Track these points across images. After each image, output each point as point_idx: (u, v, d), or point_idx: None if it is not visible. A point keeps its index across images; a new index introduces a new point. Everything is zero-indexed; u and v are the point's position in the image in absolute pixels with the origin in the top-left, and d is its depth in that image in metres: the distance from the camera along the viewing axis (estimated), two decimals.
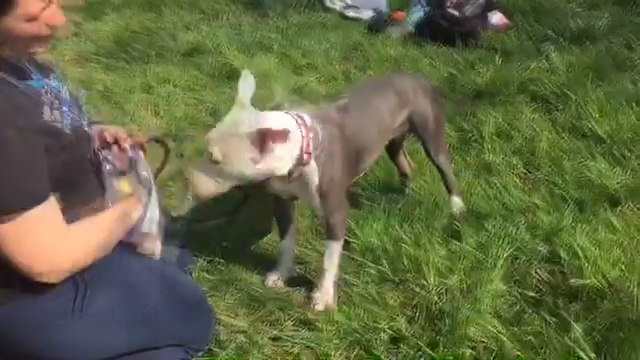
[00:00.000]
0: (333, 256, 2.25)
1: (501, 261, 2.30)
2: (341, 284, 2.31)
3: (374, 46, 4.44)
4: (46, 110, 1.62)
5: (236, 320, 2.20)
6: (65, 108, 1.72)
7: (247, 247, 2.55)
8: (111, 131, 1.96)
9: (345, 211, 2.22)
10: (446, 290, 2.23)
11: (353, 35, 4.63)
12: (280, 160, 1.94)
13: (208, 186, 1.92)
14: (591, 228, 2.49)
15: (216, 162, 1.88)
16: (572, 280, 2.20)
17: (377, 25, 4.75)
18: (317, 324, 2.14)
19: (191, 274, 2.31)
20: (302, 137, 1.98)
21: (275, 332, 2.14)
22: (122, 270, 1.84)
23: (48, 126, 1.58)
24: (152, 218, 1.91)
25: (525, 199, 2.74)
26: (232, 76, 3.89)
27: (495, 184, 2.86)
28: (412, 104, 2.44)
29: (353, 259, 2.42)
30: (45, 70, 1.78)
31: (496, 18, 4.86)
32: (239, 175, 1.91)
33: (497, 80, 3.80)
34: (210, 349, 2.05)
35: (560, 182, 2.87)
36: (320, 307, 2.24)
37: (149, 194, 1.90)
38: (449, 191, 2.71)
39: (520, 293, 2.23)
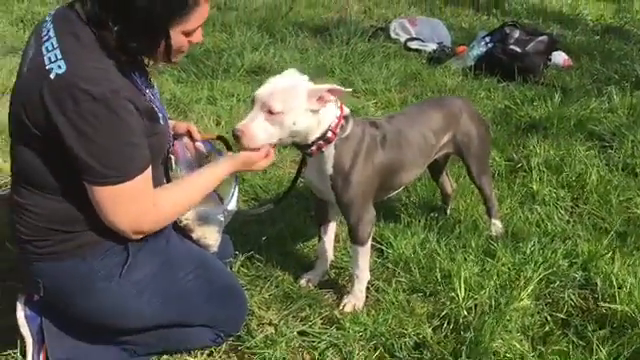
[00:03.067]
0: (358, 260, 2.31)
1: (534, 282, 2.31)
2: (372, 290, 2.37)
3: (432, 76, 4.53)
4: (147, 100, 1.82)
5: (267, 313, 2.28)
6: (158, 103, 1.92)
7: (287, 247, 2.64)
8: (180, 125, 2.14)
9: (368, 215, 2.26)
10: (475, 305, 2.25)
11: (413, 65, 4.74)
12: (319, 121, 2.06)
13: (262, 136, 1.99)
14: (631, 259, 2.47)
15: (274, 113, 1.97)
16: (602, 304, 2.19)
17: (438, 57, 4.84)
18: (344, 324, 2.20)
19: (231, 267, 2.41)
20: (336, 117, 2.10)
21: (303, 327, 2.21)
22: (164, 246, 1.97)
23: (151, 109, 1.79)
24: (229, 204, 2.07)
25: (566, 228, 2.74)
26: None
27: (538, 212, 2.87)
28: (457, 126, 2.50)
29: (387, 267, 2.48)
30: (149, 73, 1.99)
31: (560, 58, 4.89)
32: (292, 125, 2.01)
33: (553, 115, 3.80)
34: (239, 336, 2.13)
35: (606, 216, 2.85)
36: (348, 308, 2.30)
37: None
38: (489, 214, 2.73)
39: (550, 314, 2.23)
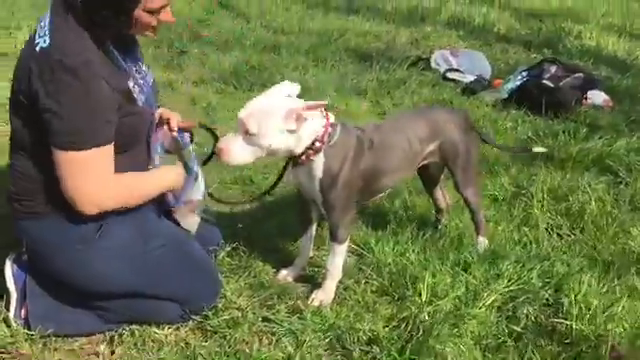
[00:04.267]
0: (335, 257, 2.42)
1: (497, 294, 2.34)
2: (341, 288, 2.47)
3: (461, 105, 4.59)
4: (131, 80, 2.04)
5: (239, 299, 2.40)
6: (145, 88, 2.13)
7: (273, 243, 2.78)
8: (166, 114, 2.33)
9: (348, 215, 2.37)
10: (436, 311, 2.30)
11: (446, 93, 4.82)
12: (300, 137, 2.18)
13: (243, 156, 2.16)
14: (605, 286, 2.46)
15: (250, 134, 2.12)
16: (559, 320, 2.20)
17: (472, 88, 4.90)
18: (305, 315, 2.30)
19: (215, 255, 2.56)
20: (322, 127, 2.22)
21: (267, 314, 2.33)
22: (141, 219, 2.16)
23: (128, 90, 2.00)
24: (192, 194, 2.24)
25: (551, 252, 2.74)
26: None
27: (527, 234, 2.89)
28: (443, 135, 2.58)
29: (361, 270, 2.57)
30: (141, 58, 2.21)
31: (600, 98, 4.84)
32: (268, 146, 2.15)
33: (572, 149, 3.79)
34: (206, 315, 2.27)
35: (597, 245, 2.84)
36: (315, 302, 2.40)
37: (194, 172, 2.24)
38: (476, 231, 2.78)
39: (507, 326, 2.25)
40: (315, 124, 2.22)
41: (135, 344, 2.20)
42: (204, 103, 4.42)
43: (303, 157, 2.25)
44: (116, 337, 2.24)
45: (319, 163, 2.27)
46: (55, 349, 2.17)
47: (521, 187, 3.38)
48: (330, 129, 2.26)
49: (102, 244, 2.07)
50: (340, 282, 2.48)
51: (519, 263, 2.57)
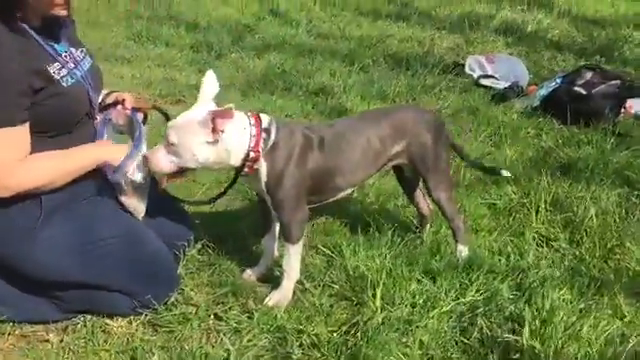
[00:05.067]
0: (290, 258, 2.37)
1: (453, 304, 2.23)
2: (298, 290, 2.42)
3: (487, 111, 4.42)
4: (55, 65, 2.10)
5: (196, 295, 2.41)
6: (78, 72, 2.19)
7: (244, 242, 2.76)
8: (121, 94, 2.38)
9: (299, 215, 2.32)
10: (388, 318, 2.22)
11: (474, 100, 4.65)
12: (227, 150, 2.16)
13: (163, 164, 2.17)
14: (585, 304, 2.28)
15: (172, 145, 2.14)
16: (511, 336, 2.06)
17: (503, 95, 4.71)
18: (255, 314, 2.27)
19: (184, 252, 2.57)
20: (251, 136, 2.18)
21: (219, 311, 2.32)
22: (87, 208, 2.20)
23: (45, 73, 2.05)
24: (134, 174, 2.24)
25: (534, 264, 2.58)
26: (341, 115, 4.15)
27: (513, 244, 2.73)
28: (410, 135, 2.48)
29: (325, 273, 2.51)
30: (78, 45, 2.28)
31: None
32: (192, 157, 2.14)
33: (593, 159, 3.56)
34: (156, 309, 2.28)
35: (589, 260, 2.65)
36: (271, 303, 2.37)
37: (137, 150, 2.25)
38: (455, 238, 2.66)
39: (458, 338, 2.14)
40: (239, 135, 2.18)
41: (85, 334, 2.25)
42: (225, 105, 4.46)
43: (246, 169, 2.23)
44: (70, 326, 2.29)
45: (262, 168, 2.25)
46: (9, 334, 2.25)
47: (525, 196, 3.21)
48: (264, 134, 2.22)
49: (43, 234, 2.12)
50: (300, 284, 2.44)
51: (492, 273, 2.44)
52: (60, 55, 2.16)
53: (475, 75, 5.15)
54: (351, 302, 2.37)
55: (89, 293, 2.25)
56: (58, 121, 2.12)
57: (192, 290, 2.44)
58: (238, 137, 2.18)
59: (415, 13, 7.50)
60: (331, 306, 2.35)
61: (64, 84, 2.12)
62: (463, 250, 2.64)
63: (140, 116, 2.37)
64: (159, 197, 2.51)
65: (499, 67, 5.13)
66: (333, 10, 7.64)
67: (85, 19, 6.44)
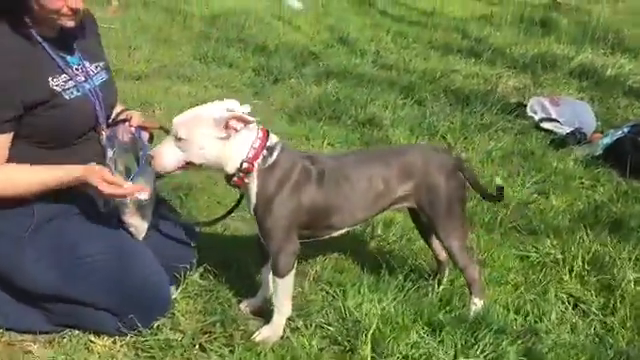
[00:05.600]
0: (278, 292, 2.26)
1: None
2: (288, 329, 2.30)
3: (541, 157, 4.16)
4: (61, 76, 2.12)
5: (186, 321, 2.34)
6: (87, 85, 2.19)
7: (247, 268, 2.67)
8: (130, 112, 2.36)
9: (288, 248, 2.21)
10: None
11: (530, 143, 4.39)
12: (230, 151, 2.10)
13: (167, 161, 2.12)
14: None
15: (181, 139, 2.09)
16: None
17: (563, 141, 4.43)
18: (237, 348, 2.17)
19: (184, 275, 2.50)
20: (252, 147, 2.11)
21: (204, 341, 2.23)
22: (75, 221, 2.18)
23: (45, 84, 2.07)
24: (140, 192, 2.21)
25: (554, 329, 2.34)
26: None
27: (537, 305, 2.50)
28: (418, 177, 2.33)
29: (322, 313, 2.37)
30: (94, 58, 2.29)
31: None
32: (199, 151, 2.09)
33: None
34: (140, 330, 2.22)
35: (621, 331, 2.38)
36: (258, 338, 2.27)
37: (141, 169, 2.22)
38: (469, 290, 2.46)
39: None
40: (246, 141, 2.12)
41: (69, 349, 2.21)
42: (278, 130, 4.40)
43: (235, 179, 2.15)
44: (56, 339, 2.27)
45: (253, 186, 2.16)
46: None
47: (563, 252, 2.95)
48: (265, 152, 2.14)
49: (32, 245, 2.11)
50: (292, 321, 2.31)
51: (502, 333, 2.23)
52: (70, 67, 2.17)
53: (537, 117, 4.88)
54: (343, 347, 2.23)
55: (75, 308, 2.22)
56: (57, 133, 2.12)
57: (183, 316, 2.37)
58: (242, 143, 2.12)
59: (489, 50, 7.26)
60: (321, 349, 2.22)
61: (66, 96, 2.11)
62: (478, 304, 2.43)
63: (145, 135, 2.35)
64: (164, 218, 2.48)
65: (563, 111, 4.84)
66: (404, 42, 7.53)
67: (157, 37, 6.67)
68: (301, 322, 2.31)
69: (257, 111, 4.70)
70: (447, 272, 2.65)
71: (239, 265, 2.68)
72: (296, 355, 2.16)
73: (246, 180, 2.17)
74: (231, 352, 2.17)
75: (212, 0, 8.88)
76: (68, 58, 2.19)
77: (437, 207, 2.34)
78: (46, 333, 2.28)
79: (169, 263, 2.42)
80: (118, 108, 2.45)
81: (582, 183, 3.83)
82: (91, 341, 2.24)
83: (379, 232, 3.07)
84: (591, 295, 2.65)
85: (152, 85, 5.37)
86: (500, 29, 8.37)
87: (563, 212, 3.44)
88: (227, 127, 2.07)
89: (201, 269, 2.60)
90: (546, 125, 4.78)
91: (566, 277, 2.74)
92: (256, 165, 2.14)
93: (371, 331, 2.16)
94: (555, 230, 3.16)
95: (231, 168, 2.16)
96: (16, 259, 2.12)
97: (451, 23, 8.70)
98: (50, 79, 2.09)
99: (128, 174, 2.23)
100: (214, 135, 2.09)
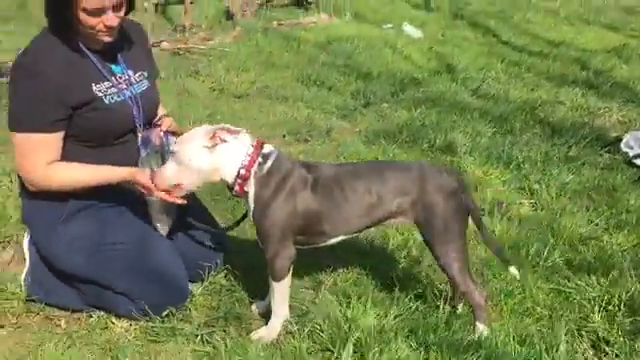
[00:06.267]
0: (275, 296, 2.38)
1: None
2: (282, 334, 2.42)
3: (623, 194, 3.88)
4: (105, 83, 2.41)
5: (196, 314, 2.53)
6: (127, 92, 2.48)
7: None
8: (164, 118, 2.62)
9: (283, 253, 2.32)
10: None
11: (614, 179, 4.12)
12: (221, 160, 2.26)
13: (164, 175, 2.29)
14: None
15: (174, 152, 2.28)
16: None
17: None
18: (230, 345, 2.31)
19: (208, 272, 2.70)
20: (247, 155, 2.26)
21: (205, 334, 2.39)
22: (104, 211, 2.45)
23: (88, 89, 2.35)
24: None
25: None
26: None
27: (546, 340, 2.39)
28: (416, 194, 2.33)
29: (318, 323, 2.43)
30: (138, 68, 2.56)
31: None
32: (189, 162, 2.25)
33: None
34: (150, 318, 2.44)
35: None
36: (254, 337, 2.39)
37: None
38: (474, 315, 2.41)
39: None
40: (236, 150, 2.27)
41: (90, 327, 2.48)
42: (350, 151, 4.54)
43: (236, 187, 2.30)
44: (85, 317, 2.54)
45: (251, 192, 2.29)
46: (37, 313, 2.57)
47: (602, 290, 2.77)
48: (260, 159, 2.27)
49: (63, 230, 2.40)
50: (290, 324, 2.41)
51: None
52: (114, 75, 2.46)
53: (631, 153, 4.57)
54: (330, 354, 2.28)
55: (99, 290, 2.48)
56: (97, 133, 2.40)
57: (196, 309, 2.57)
58: (234, 152, 2.27)
59: (607, 83, 6.88)
60: (310, 353, 2.29)
61: (106, 101, 2.39)
62: (481, 330, 2.38)
63: (173, 139, 2.57)
64: (195, 218, 2.69)
65: None
66: (515, 71, 7.34)
67: (267, 61, 7.07)
68: (297, 327, 2.40)
69: (339, 132, 4.99)
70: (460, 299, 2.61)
71: (262, 269, 2.80)
72: (284, 355, 2.25)
73: (245, 188, 2.30)
74: (225, 346, 2.30)
75: (331, 27, 9.28)
76: (112, 67, 2.48)
77: (433, 226, 2.33)
78: (79, 311, 2.56)
79: (195, 261, 2.64)
80: (161, 112, 2.71)
81: None
82: (112, 322, 2.49)
83: (414, 253, 3.08)
84: (619, 337, 2.47)
85: (250, 103, 5.74)
86: (629, 62, 7.92)
87: (625, 251, 3.21)
88: (213, 137, 2.23)
89: (226, 270, 2.78)
90: (639, 161, 4.46)
91: (595, 315, 2.58)
92: (253, 172, 2.28)
93: (353, 340, 2.19)
94: (607, 269, 2.97)
95: (229, 177, 2.30)
96: (49, 242, 2.43)
97: (576, 54, 8.34)
98: (93, 85, 2.37)
99: None
100: (201, 145, 2.24)
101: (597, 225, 3.52)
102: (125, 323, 2.49)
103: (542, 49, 8.69)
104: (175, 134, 2.60)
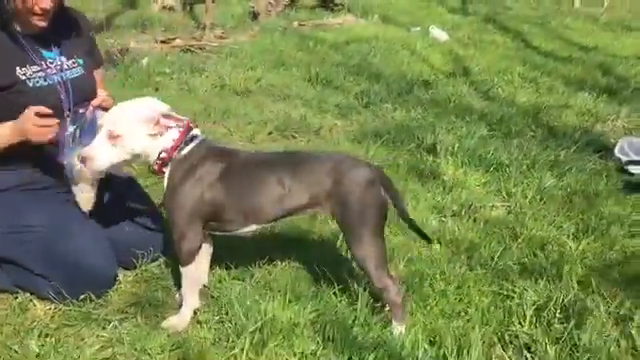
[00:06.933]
0: (184, 282, 2.39)
1: None
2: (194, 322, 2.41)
3: (601, 202, 3.71)
4: (32, 67, 2.46)
5: (117, 300, 2.55)
6: (56, 77, 2.50)
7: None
8: (100, 97, 2.64)
9: (190, 237, 2.32)
10: None
11: (598, 184, 3.94)
12: (155, 147, 2.27)
13: (103, 160, 2.27)
14: None
15: (116, 136, 2.24)
16: None
17: None
18: (133, 330, 2.34)
19: (142, 258, 2.72)
20: (172, 139, 2.27)
21: (117, 319, 2.41)
22: (22, 194, 2.51)
23: (10, 71, 2.40)
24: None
25: None
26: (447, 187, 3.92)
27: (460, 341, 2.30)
28: (329, 185, 2.28)
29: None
30: (70, 55, 2.60)
31: None
32: (131, 149, 2.26)
33: None
34: (70, 301, 2.47)
35: None
36: (164, 324, 2.39)
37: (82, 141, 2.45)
38: (391, 314, 2.34)
39: None
40: (170, 135, 2.27)
41: (11, 307, 2.52)
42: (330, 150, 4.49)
43: (155, 166, 2.31)
44: (11, 297, 2.58)
45: (166, 175, 2.30)
46: None
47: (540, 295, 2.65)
48: (182, 144, 2.26)
49: None
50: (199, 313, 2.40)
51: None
52: (44, 60, 2.51)
53: (624, 159, 4.36)
54: (232, 345, 2.25)
55: (17, 270, 2.52)
56: (18, 115, 2.43)
57: (118, 296, 2.58)
58: (169, 138, 2.28)
59: (629, 89, 6.61)
60: (213, 343, 2.27)
61: (30, 84, 2.44)
62: (398, 329, 2.31)
63: (101, 113, 2.53)
64: (131, 201, 2.71)
65: None
66: (532, 75, 7.12)
67: (278, 60, 7.06)
68: (206, 315, 2.39)
69: (329, 130, 4.94)
70: None
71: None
72: (187, 344, 2.24)
73: (164, 169, 2.32)
74: (135, 332, 2.31)
75: (354, 29, 9.23)
76: (44, 53, 2.53)
77: (348, 219, 2.27)
78: (5, 291, 2.60)
79: (128, 247, 2.66)
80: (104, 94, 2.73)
81: (630, 231, 3.37)
82: (34, 304, 2.53)
83: None
84: (546, 343, 2.35)
85: (248, 100, 5.74)
86: None
87: (585, 258, 3.06)
88: (157, 125, 2.24)
89: (162, 259, 2.79)
90: (634, 169, 4.25)
91: (526, 320, 2.46)
92: (172, 156, 2.29)
93: (250, 330, 2.17)
94: (559, 275, 2.84)
95: (152, 159, 2.32)
96: None
97: (603, 59, 8.04)
98: (18, 68, 2.43)
99: None
100: (147, 132, 2.25)
101: (563, 230, 3.38)
102: (46, 306, 2.52)
103: (570, 54, 8.42)
104: (103, 109, 2.58)
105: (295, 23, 9.15)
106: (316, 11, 10.91)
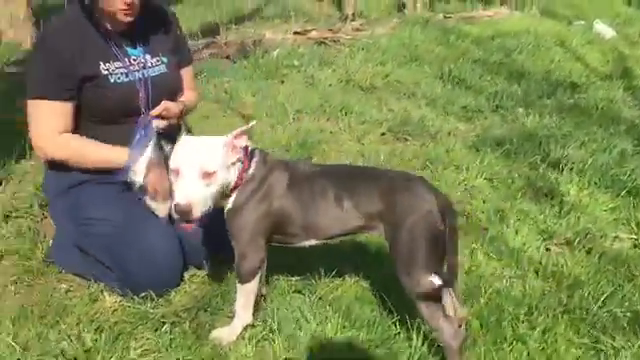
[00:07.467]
0: (239, 298, 2.32)
1: None
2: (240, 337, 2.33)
3: None
4: (115, 63, 2.52)
5: (178, 302, 2.54)
6: (137, 74, 2.55)
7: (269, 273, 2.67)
8: (167, 102, 2.58)
9: (252, 255, 2.24)
10: None
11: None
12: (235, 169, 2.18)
13: (201, 202, 2.05)
14: None
15: (210, 174, 2.06)
16: None
17: None
18: (177, 339, 2.31)
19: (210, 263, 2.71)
20: (240, 160, 2.18)
21: (170, 322, 2.40)
22: (93, 188, 2.57)
23: (95, 66, 2.47)
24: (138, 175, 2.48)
25: None
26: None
27: None
28: (388, 207, 2.10)
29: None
30: (155, 53, 2.64)
31: None
32: (225, 181, 2.14)
33: None
34: (132, 298, 2.51)
35: None
36: (211, 336, 2.34)
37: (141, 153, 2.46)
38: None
39: None
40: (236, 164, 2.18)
41: (85, 295, 2.60)
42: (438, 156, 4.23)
43: (230, 192, 2.21)
44: (89, 284, 2.66)
45: (234, 195, 2.22)
46: (59, 280, 2.72)
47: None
48: (247, 164, 2.21)
49: (63, 200, 2.58)
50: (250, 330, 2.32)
51: None
52: (128, 57, 2.55)
53: None
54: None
55: (94, 260, 2.60)
56: (100, 110, 2.51)
57: (181, 297, 2.58)
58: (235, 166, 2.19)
59: None
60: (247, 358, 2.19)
61: (112, 80, 2.49)
62: None
63: (163, 123, 2.49)
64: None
65: None
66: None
67: (412, 55, 6.76)
68: (250, 331, 2.31)
69: (448, 134, 4.63)
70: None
71: (270, 271, 2.71)
72: (216, 356, 2.19)
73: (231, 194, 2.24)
74: (181, 340, 2.29)
75: (505, 22, 8.66)
76: (129, 50, 2.56)
77: (397, 249, 2.08)
78: (88, 280, 2.69)
79: (194, 249, 2.65)
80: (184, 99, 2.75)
81: None
82: (103, 296, 2.59)
83: None
84: None
85: (372, 97, 5.51)
86: None
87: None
88: (234, 149, 2.14)
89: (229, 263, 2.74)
90: None
91: None
92: (243, 179, 2.21)
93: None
94: None
95: (231, 186, 2.19)
96: (53, 209, 2.64)
97: None
98: (102, 62, 2.48)
99: None
100: (230, 161, 2.13)
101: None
102: (115, 298, 2.56)
103: None
104: (164, 119, 2.52)
105: (440, 15, 8.75)
106: (467, 2, 10.40)
